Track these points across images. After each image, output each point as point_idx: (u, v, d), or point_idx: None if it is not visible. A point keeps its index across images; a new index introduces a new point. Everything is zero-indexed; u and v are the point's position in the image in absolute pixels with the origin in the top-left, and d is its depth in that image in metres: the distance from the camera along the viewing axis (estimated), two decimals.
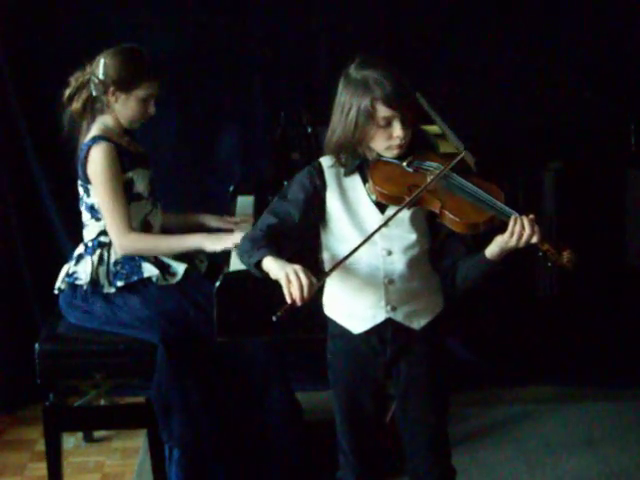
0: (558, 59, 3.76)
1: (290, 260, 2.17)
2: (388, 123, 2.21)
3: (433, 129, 3.26)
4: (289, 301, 2.10)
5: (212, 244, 2.90)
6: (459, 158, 2.25)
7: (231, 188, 3.57)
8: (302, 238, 2.33)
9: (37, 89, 3.64)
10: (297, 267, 2.11)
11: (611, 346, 3.82)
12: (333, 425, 2.47)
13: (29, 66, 3.65)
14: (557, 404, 3.67)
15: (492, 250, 2.18)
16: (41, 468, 3.11)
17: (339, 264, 2.18)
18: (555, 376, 3.82)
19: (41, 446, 3.16)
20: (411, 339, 2.33)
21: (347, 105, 2.23)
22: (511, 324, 3.77)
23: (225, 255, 2.86)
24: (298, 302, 2.09)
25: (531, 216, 2.14)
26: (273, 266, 2.15)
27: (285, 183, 2.75)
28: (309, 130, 3.16)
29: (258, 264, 2.18)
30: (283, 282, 2.11)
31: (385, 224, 2.20)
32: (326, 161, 2.32)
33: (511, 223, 2.14)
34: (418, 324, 2.32)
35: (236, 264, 2.76)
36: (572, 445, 3.37)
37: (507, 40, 3.75)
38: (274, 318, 2.12)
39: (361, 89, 2.20)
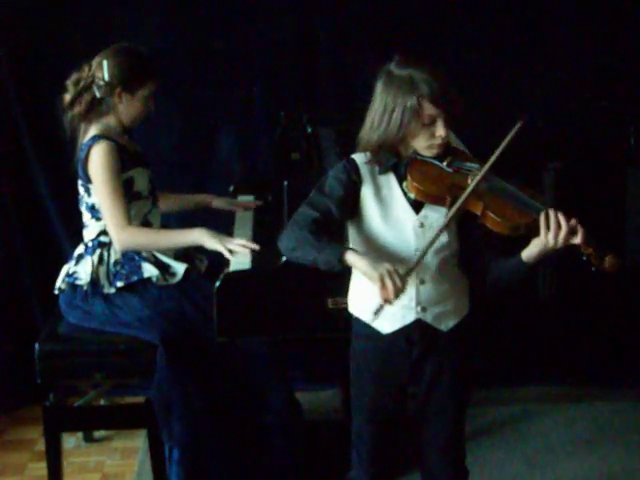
0: (558, 59, 3.76)
1: None
2: (432, 122, 2.20)
3: None
4: (383, 302, 2.12)
5: (211, 240, 2.89)
6: (495, 156, 2.22)
7: (231, 188, 3.57)
8: (340, 235, 2.32)
9: (37, 89, 3.64)
10: (390, 268, 2.11)
11: (611, 346, 3.82)
12: (333, 425, 2.47)
13: (29, 66, 3.65)
14: (557, 404, 3.67)
15: (530, 252, 2.18)
16: (41, 468, 3.11)
17: (417, 265, 2.18)
18: (555, 376, 3.83)
19: (41, 446, 3.17)
20: (437, 340, 2.32)
21: (391, 103, 2.20)
22: (511, 324, 3.77)
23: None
24: (391, 304, 2.12)
25: (560, 215, 2.14)
26: (362, 262, 2.13)
27: (285, 183, 2.75)
28: (309, 130, 3.16)
29: (340, 261, 2.14)
30: (377, 282, 2.10)
31: (446, 225, 2.18)
32: (360, 158, 2.29)
33: (542, 219, 2.13)
34: (446, 326, 2.32)
35: (236, 264, 2.76)
36: (572, 445, 3.37)
37: (507, 40, 3.75)
38: (373, 317, 2.15)
39: (407, 87, 2.18)
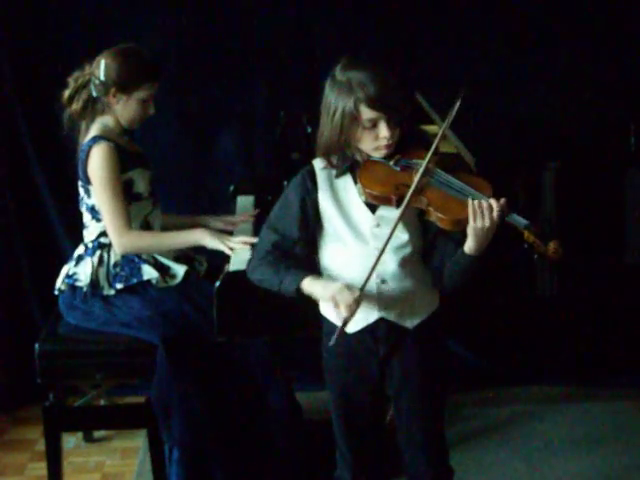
0: (558, 59, 3.76)
1: None
2: (374, 124, 2.22)
3: (433, 129, 3.27)
4: (340, 323, 2.18)
5: (212, 240, 2.90)
6: (431, 151, 2.22)
7: (231, 188, 3.57)
8: (308, 247, 2.35)
9: (37, 89, 3.64)
10: (339, 286, 2.19)
11: (611, 346, 3.82)
12: (333, 425, 2.47)
13: (29, 66, 3.65)
14: (557, 404, 3.67)
15: (468, 244, 2.18)
16: (41, 468, 3.11)
17: (370, 276, 2.21)
18: (555, 376, 3.83)
19: (41, 446, 3.17)
20: (404, 338, 2.33)
21: (332, 107, 2.24)
22: (511, 324, 3.77)
23: (224, 255, 2.86)
24: (349, 319, 2.17)
25: (502, 201, 2.14)
26: (316, 288, 2.23)
27: (285, 183, 2.76)
28: (309, 130, 3.16)
29: (298, 291, 2.24)
30: (331, 303, 2.18)
31: (395, 226, 2.19)
32: (318, 163, 2.33)
33: (469, 205, 2.14)
34: (411, 323, 2.33)
35: (236, 264, 2.76)
36: (572, 445, 3.37)
37: (507, 40, 3.75)
38: (331, 343, 2.21)
39: (345, 91, 2.21)
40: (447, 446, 2.47)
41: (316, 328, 2.46)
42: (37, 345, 2.88)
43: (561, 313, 3.74)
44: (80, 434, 3.49)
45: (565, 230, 3.17)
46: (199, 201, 3.77)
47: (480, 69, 3.75)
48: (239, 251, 2.85)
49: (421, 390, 2.37)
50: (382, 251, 2.20)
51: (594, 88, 3.76)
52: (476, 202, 2.14)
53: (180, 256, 3.06)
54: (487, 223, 2.13)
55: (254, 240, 2.85)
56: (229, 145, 3.82)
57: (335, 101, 2.23)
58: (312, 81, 3.76)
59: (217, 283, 2.66)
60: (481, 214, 2.13)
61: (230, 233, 3.09)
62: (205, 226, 3.18)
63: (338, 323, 2.21)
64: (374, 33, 3.74)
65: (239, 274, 2.70)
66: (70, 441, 3.45)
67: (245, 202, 3.49)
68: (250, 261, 2.37)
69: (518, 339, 3.82)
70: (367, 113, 2.20)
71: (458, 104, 2.25)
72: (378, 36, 3.73)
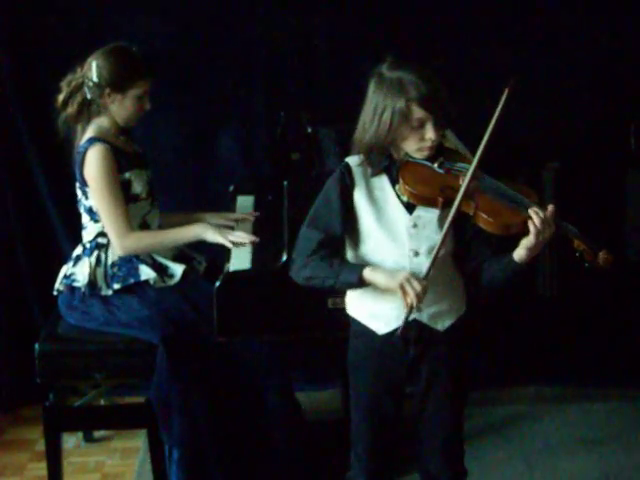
0: (558, 59, 3.75)
1: None
2: (421, 124, 2.20)
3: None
4: (408, 309, 2.16)
5: (213, 234, 2.91)
6: (479, 153, 2.20)
7: (231, 188, 3.56)
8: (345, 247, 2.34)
9: (37, 90, 3.64)
10: (407, 275, 2.16)
11: (611, 346, 3.81)
12: (333, 425, 2.47)
13: (29, 67, 3.65)
14: (557, 404, 3.67)
15: (519, 253, 2.19)
16: (41, 468, 3.11)
17: (433, 264, 2.19)
18: (555, 376, 3.82)
19: (41, 446, 3.16)
20: (434, 340, 2.32)
21: (381, 105, 2.21)
22: (511, 324, 3.77)
23: (224, 255, 2.86)
24: (416, 306, 2.16)
25: (550, 208, 2.15)
26: (380, 277, 2.20)
27: (285, 183, 2.76)
28: (309, 130, 3.15)
29: (361, 280, 2.21)
30: (399, 292, 2.16)
31: (448, 229, 2.19)
32: (353, 160, 2.31)
33: (533, 218, 2.14)
34: (442, 325, 2.32)
35: (236, 264, 2.76)
36: (572, 445, 3.37)
37: (507, 40, 3.75)
38: (398, 333, 2.18)
39: (396, 89, 2.19)
40: (464, 448, 2.48)
41: (316, 328, 2.46)
42: (37, 345, 2.88)
43: (561, 313, 3.74)
44: (80, 434, 3.48)
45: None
46: (199, 201, 3.76)
47: (480, 69, 3.75)
48: (239, 251, 2.85)
49: (447, 392, 2.37)
50: (437, 252, 2.19)
51: (594, 88, 3.76)
52: (537, 216, 2.13)
53: (178, 256, 3.06)
54: (547, 236, 2.14)
55: (254, 238, 2.86)
56: (229, 145, 3.82)
57: (384, 99, 2.20)
58: (312, 81, 3.77)
59: (217, 283, 2.66)
60: (542, 227, 2.13)
61: (231, 229, 3.09)
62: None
63: (403, 312, 2.17)
64: (374, 33, 3.73)
65: (239, 274, 2.70)
66: (70, 441, 3.45)
67: (245, 202, 3.49)
68: (293, 262, 2.32)
69: (518, 339, 3.81)
70: (418, 112, 2.18)
71: (505, 96, 2.22)
72: (378, 36, 3.72)
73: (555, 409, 3.63)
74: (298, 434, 2.96)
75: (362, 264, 2.25)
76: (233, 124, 3.81)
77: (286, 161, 3.29)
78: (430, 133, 2.20)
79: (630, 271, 3.52)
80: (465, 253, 2.31)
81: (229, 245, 2.85)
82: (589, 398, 3.70)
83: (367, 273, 2.21)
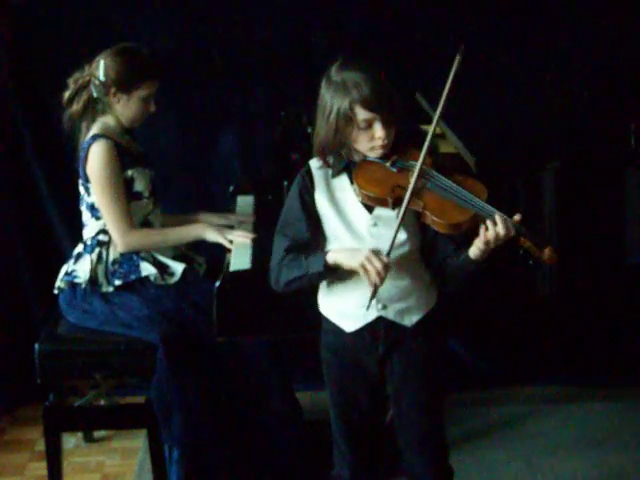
0: (558, 59, 3.76)
1: None
2: (369, 125, 2.22)
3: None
4: (372, 287, 2.17)
5: (213, 233, 2.93)
6: (424, 152, 2.21)
7: (231, 188, 3.57)
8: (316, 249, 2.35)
9: (37, 89, 3.64)
10: (367, 253, 2.17)
11: (611, 346, 3.81)
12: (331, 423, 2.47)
13: (29, 66, 3.65)
14: (557, 404, 3.67)
15: (474, 251, 2.20)
16: (41, 468, 3.12)
17: (393, 243, 2.20)
18: (555, 376, 3.82)
19: (41, 446, 3.17)
20: (403, 336, 2.34)
21: (328, 107, 2.24)
22: (511, 324, 3.77)
23: (224, 256, 2.86)
24: (380, 285, 2.16)
25: (498, 215, 2.15)
26: (341, 259, 2.22)
27: (285, 183, 2.77)
28: (309, 130, 3.15)
29: (326, 266, 2.22)
30: (360, 271, 2.17)
31: (398, 229, 2.20)
32: (314, 163, 2.34)
33: (482, 227, 2.15)
34: (410, 321, 2.33)
35: (236, 264, 2.76)
36: (572, 445, 3.37)
37: (507, 40, 3.75)
38: (367, 309, 2.21)
39: (340, 91, 2.22)
40: (447, 445, 2.47)
41: (316, 328, 2.46)
42: (37, 345, 2.88)
43: (561, 313, 3.74)
44: (80, 434, 3.49)
45: (565, 230, 3.17)
46: (199, 201, 3.76)
47: (480, 69, 3.75)
48: (239, 251, 2.85)
49: (421, 388, 2.38)
50: (388, 253, 2.20)
51: (594, 88, 3.76)
52: (490, 223, 2.14)
53: (178, 256, 3.06)
54: (500, 240, 2.15)
55: (254, 235, 2.87)
56: (229, 145, 3.82)
57: (330, 101, 2.24)
58: (312, 81, 3.76)
59: (217, 283, 2.66)
60: (494, 235, 2.14)
61: (231, 228, 3.09)
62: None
63: (369, 290, 2.19)
64: (374, 33, 3.73)
65: (239, 274, 2.70)
66: (70, 441, 3.45)
67: (245, 202, 3.49)
68: (271, 275, 2.35)
69: (518, 339, 3.81)
70: (362, 113, 2.20)
71: (456, 65, 2.23)
72: (378, 37, 3.72)
73: (555, 409, 3.63)
74: (298, 434, 2.96)
75: (324, 251, 2.26)
76: (233, 124, 3.81)
77: (286, 161, 3.29)
78: (379, 132, 2.22)
79: (630, 271, 3.52)
80: (430, 249, 2.32)
81: (228, 245, 2.86)
82: (589, 398, 3.70)
83: (330, 257, 2.23)
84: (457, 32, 3.74)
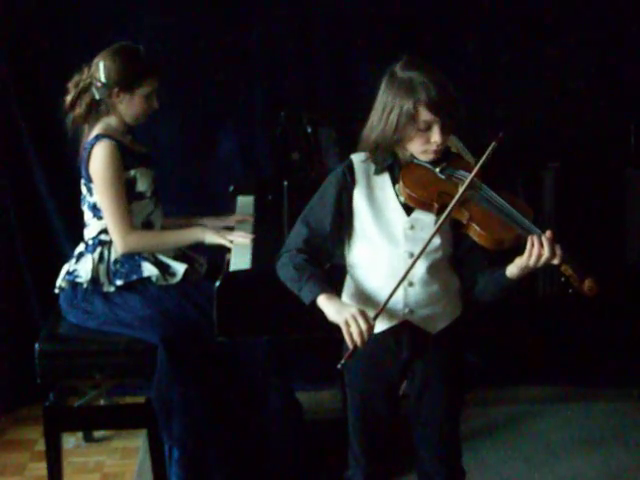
0: (558, 59, 3.76)
1: None
2: (428, 127, 2.19)
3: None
4: (351, 346, 2.15)
5: (211, 236, 2.94)
6: (480, 164, 2.19)
7: (231, 188, 3.56)
8: (335, 244, 2.34)
9: (37, 89, 3.64)
10: (354, 311, 2.15)
11: (611, 346, 3.81)
12: (333, 425, 2.47)
13: (29, 66, 3.65)
14: (557, 404, 3.67)
15: (512, 270, 2.19)
16: (41, 468, 3.11)
17: (399, 285, 2.19)
18: (555, 376, 3.82)
19: (41, 446, 3.17)
20: (427, 342, 2.32)
21: (390, 104, 2.20)
22: (511, 324, 3.77)
23: (224, 256, 2.86)
24: (360, 347, 2.14)
25: (548, 234, 2.13)
26: (329, 309, 2.20)
27: (285, 183, 2.76)
28: (309, 130, 3.16)
29: (313, 303, 2.21)
30: (343, 328, 2.15)
31: (434, 234, 2.18)
32: (358, 157, 2.31)
33: (529, 244, 2.13)
34: (434, 328, 2.32)
35: (236, 264, 2.76)
36: (572, 445, 3.37)
37: (507, 40, 3.75)
38: (339, 366, 2.18)
39: (406, 90, 2.18)
40: (461, 448, 2.48)
41: (316, 328, 2.46)
42: (37, 345, 2.88)
43: (561, 313, 3.73)
44: (80, 434, 3.48)
45: (565, 230, 3.17)
46: (199, 201, 3.76)
47: (479, 69, 3.75)
48: (239, 251, 2.85)
49: (441, 393, 2.37)
50: (417, 258, 2.19)
51: (594, 88, 3.76)
52: (537, 242, 2.12)
53: (180, 257, 3.06)
54: (540, 264, 2.13)
55: (254, 236, 2.87)
56: (229, 145, 3.82)
57: (394, 99, 2.20)
58: (312, 81, 3.77)
59: (217, 283, 2.66)
60: (537, 255, 2.12)
61: (231, 229, 3.10)
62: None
63: (349, 346, 2.17)
64: (374, 33, 3.73)
65: (239, 274, 2.70)
66: (70, 441, 3.45)
67: (245, 202, 3.49)
68: (280, 255, 2.32)
69: (518, 339, 3.81)
70: (425, 115, 2.17)
71: (489, 151, 2.21)
72: (378, 37, 3.72)
73: (555, 409, 3.63)
74: (298, 434, 2.96)
75: (323, 287, 2.22)
76: (233, 124, 3.81)
77: (286, 161, 3.29)
78: (436, 136, 2.19)
79: (630, 271, 3.52)
80: (462, 260, 2.31)
81: (228, 244, 2.86)
82: (589, 398, 3.70)
83: (321, 300, 2.21)
84: (458, 32, 3.75)
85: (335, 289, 2.27)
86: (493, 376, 3.81)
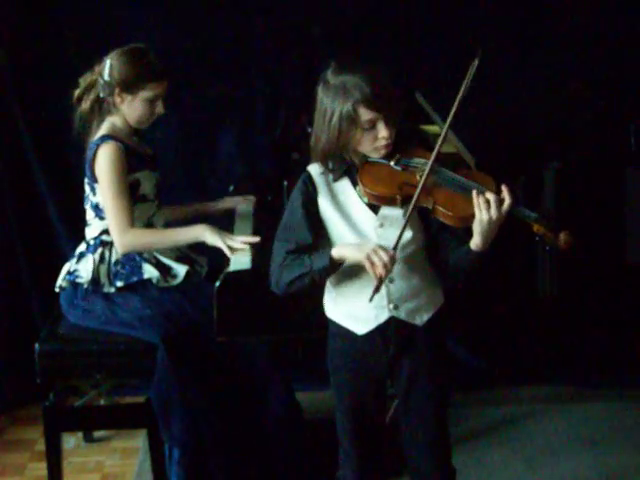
0: (558, 59, 3.76)
1: None
2: (372, 125, 2.21)
3: (434, 129, 3.27)
4: (377, 280, 2.15)
5: (212, 237, 2.90)
6: (437, 148, 2.21)
7: (231, 188, 3.56)
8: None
9: (37, 89, 3.64)
10: (373, 245, 2.16)
11: (611, 346, 3.82)
12: (333, 425, 2.46)
13: (30, 66, 3.65)
14: (557, 404, 3.67)
15: (474, 240, 2.19)
16: (41, 468, 3.11)
17: (399, 239, 2.19)
18: (555, 376, 3.82)
19: (41, 446, 3.16)
20: (414, 335, 2.33)
21: (329, 111, 2.22)
22: (511, 324, 3.77)
23: (225, 256, 2.86)
24: (385, 279, 2.15)
25: (489, 192, 2.14)
26: (347, 252, 2.21)
27: (285, 183, 2.76)
28: (309, 130, 3.15)
29: (332, 260, 2.21)
30: (365, 264, 2.15)
31: (405, 226, 2.19)
32: (314, 168, 2.33)
33: (474, 198, 2.14)
34: (421, 320, 2.33)
35: (236, 264, 2.76)
36: (572, 445, 3.37)
37: (507, 40, 3.75)
38: (370, 301, 2.18)
39: (341, 94, 2.20)
40: (451, 445, 2.48)
41: (316, 328, 2.46)
42: (37, 345, 2.88)
43: (561, 313, 3.74)
44: (80, 434, 3.49)
45: (565, 230, 3.17)
46: (199, 201, 3.75)
47: (480, 69, 3.75)
48: (239, 251, 2.85)
49: (429, 388, 2.37)
50: (395, 248, 2.19)
51: (594, 88, 3.77)
52: (481, 195, 2.14)
53: (181, 257, 3.06)
54: (493, 216, 2.13)
55: (254, 239, 2.86)
56: (229, 145, 3.82)
57: (331, 105, 2.22)
58: (312, 81, 3.76)
59: (217, 283, 2.66)
60: (486, 207, 2.13)
61: (231, 231, 3.09)
62: (207, 217, 3.24)
63: (372, 283, 2.17)
64: (374, 34, 3.73)
65: (239, 274, 2.70)
66: (70, 441, 3.45)
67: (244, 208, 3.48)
68: (271, 278, 2.33)
69: (518, 339, 3.82)
70: (366, 114, 2.19)
71: (474, 69, 2.23)
72: (378, 37, 3.72)
73: (555, 409, 3.63)
74: (298, 434, 2.96)
75: (329, 248, 2.24)
76: (233, 124, 3.81)
77: (286, 161, 3.30)
78: (383, 132, 2.21)
79: (630, 271, 3.52)
80: (434, 246, 2.32)
81: (227, 252, 2.84)
82: (589, 398, 3.70)
83: (335, 251, 2.21)
84: (458, 31, 3.75)
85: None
86: (493, 376, 3.81)
